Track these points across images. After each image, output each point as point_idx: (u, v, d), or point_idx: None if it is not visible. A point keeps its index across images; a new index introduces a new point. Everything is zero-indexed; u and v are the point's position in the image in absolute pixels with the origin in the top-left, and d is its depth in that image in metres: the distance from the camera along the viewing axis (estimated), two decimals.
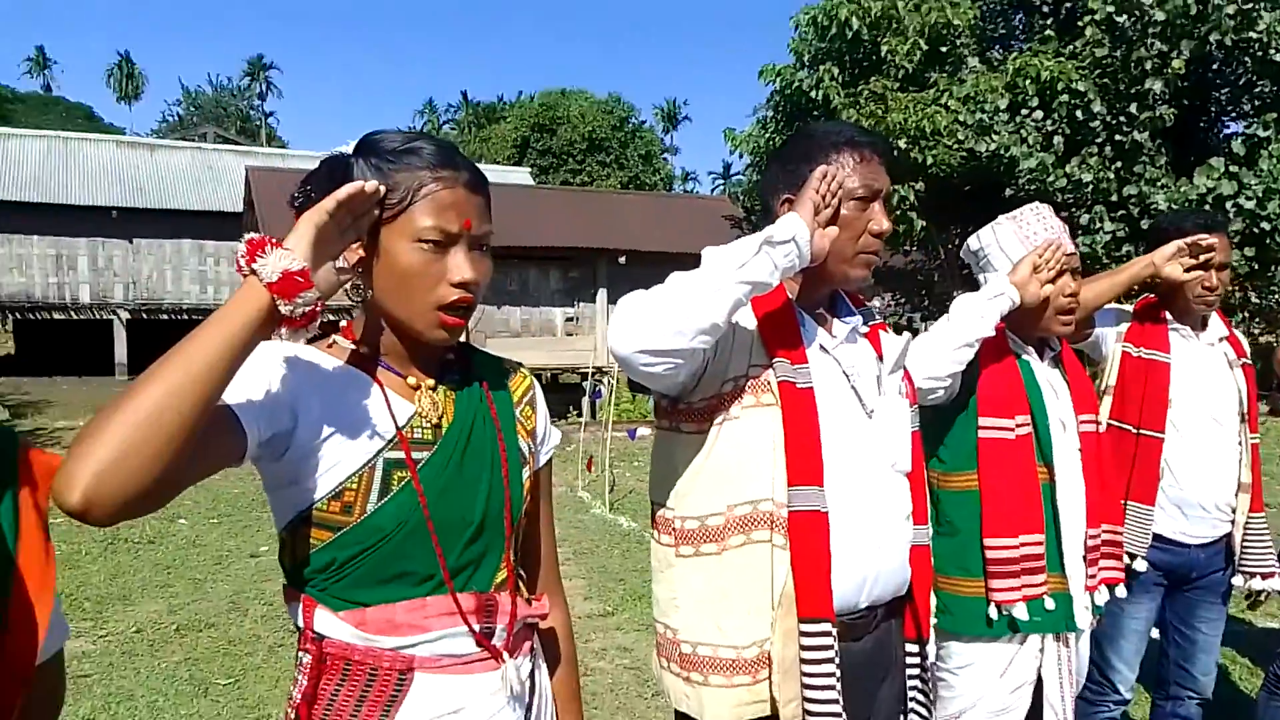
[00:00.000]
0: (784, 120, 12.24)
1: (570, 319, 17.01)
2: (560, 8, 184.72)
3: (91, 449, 0.94)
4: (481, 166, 1.33)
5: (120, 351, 21.14)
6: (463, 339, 1.37)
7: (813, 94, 11.47)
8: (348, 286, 1.26)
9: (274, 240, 1.09)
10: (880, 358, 1.76)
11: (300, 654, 1.25)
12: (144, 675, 4.33)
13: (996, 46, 12.43)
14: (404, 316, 1.25)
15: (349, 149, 1.29)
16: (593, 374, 15.27)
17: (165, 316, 21.44)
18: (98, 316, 21.46)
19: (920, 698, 1.76)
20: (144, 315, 21.46)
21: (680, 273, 1.48)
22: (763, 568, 1.58)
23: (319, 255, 1.13)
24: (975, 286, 2.22)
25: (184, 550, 6.42)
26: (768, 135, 12.42)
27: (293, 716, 1.21)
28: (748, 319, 1.64)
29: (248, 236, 1.09)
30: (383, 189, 1.20)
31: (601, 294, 17.00)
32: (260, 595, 5.48)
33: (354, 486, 1.21)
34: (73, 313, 21.40)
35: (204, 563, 6.14)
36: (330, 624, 1.22)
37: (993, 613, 2.04)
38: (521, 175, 28.31)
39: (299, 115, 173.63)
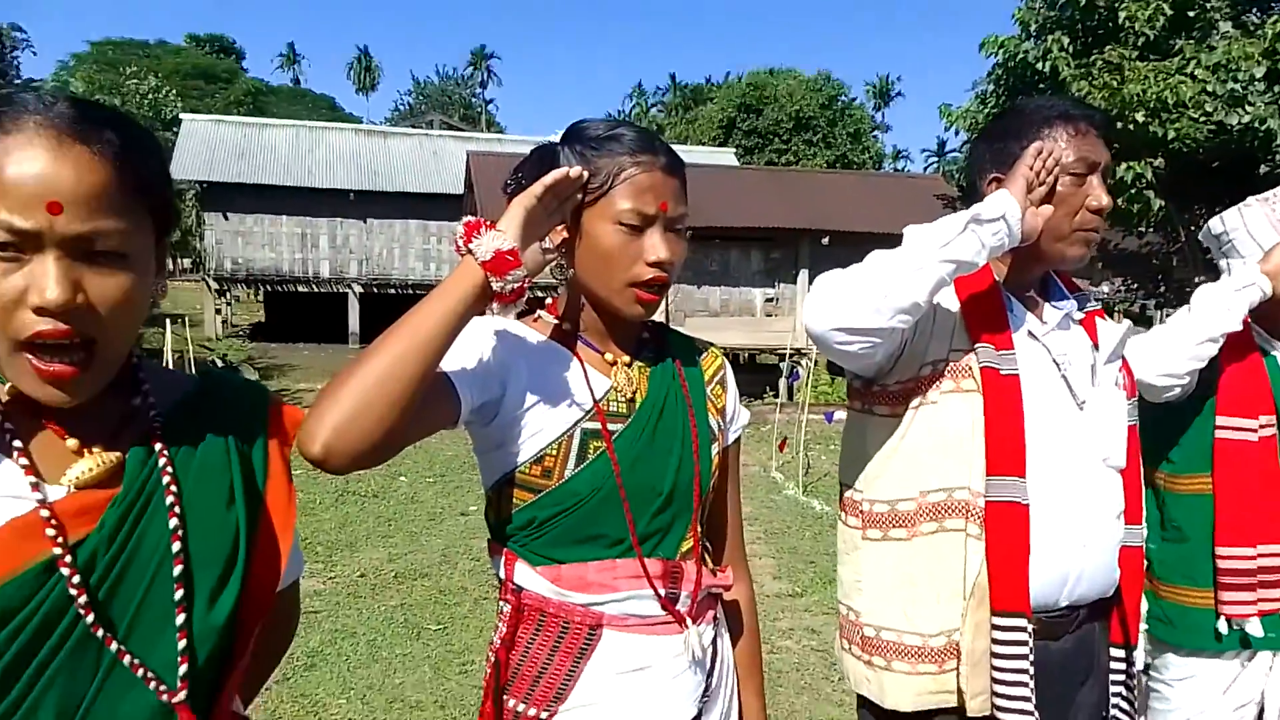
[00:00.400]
0: (1006, 94, 11.55)
1: (770, 300, 16.91)
2: None
3: (330, 407, 1.06)
4: (685, 148, 1.37)
5: (354, 321, 23.02)
6: (660, 318, 1.42)
7: (1039, 66, 10.75)
8: (552, 265, 1.34)
9: (488, 222, 1.18)
10: (1096, 346, 1.66)
11: (501, 603, 1.35)
12: (365, 615, 4.75)
13: (1254, 9, 11.15)
14: (603, 293, 1.31)
15: (558, 136, 1.37)
16: (791, 355, 15.13)
17: (393, 291, 23.13)
18: (335, 290, 23.47)
19: (1124, 705, 1.66)
20: (375, 289, 23.25)
21: (881, 250, 1.46)
22: (955, 557, 1.55)
23: (527, 236, 1.21)
24: (1218, 273, 2.04)
25: (403, 505, 6.95)
26: (987, 110, 11.76)
27: (494, 660, 1.32)
28: (950, 300, 1.59)
29: (465, 219, 1.18)
30: (586, 174, 1.27)
31: (803, 275, 16.78)
32: (468, 551, 5.86)
33: (553, 453, 1.29)
34: (314, 286, 23.50)
35: (419, 517, 6.63)
36: (528, 577, 1.31)
37: (1222, 626, 1.89)
38: (726, 156, 28.32)
39: (516, 102, 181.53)
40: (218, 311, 23.44)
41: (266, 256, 23.04)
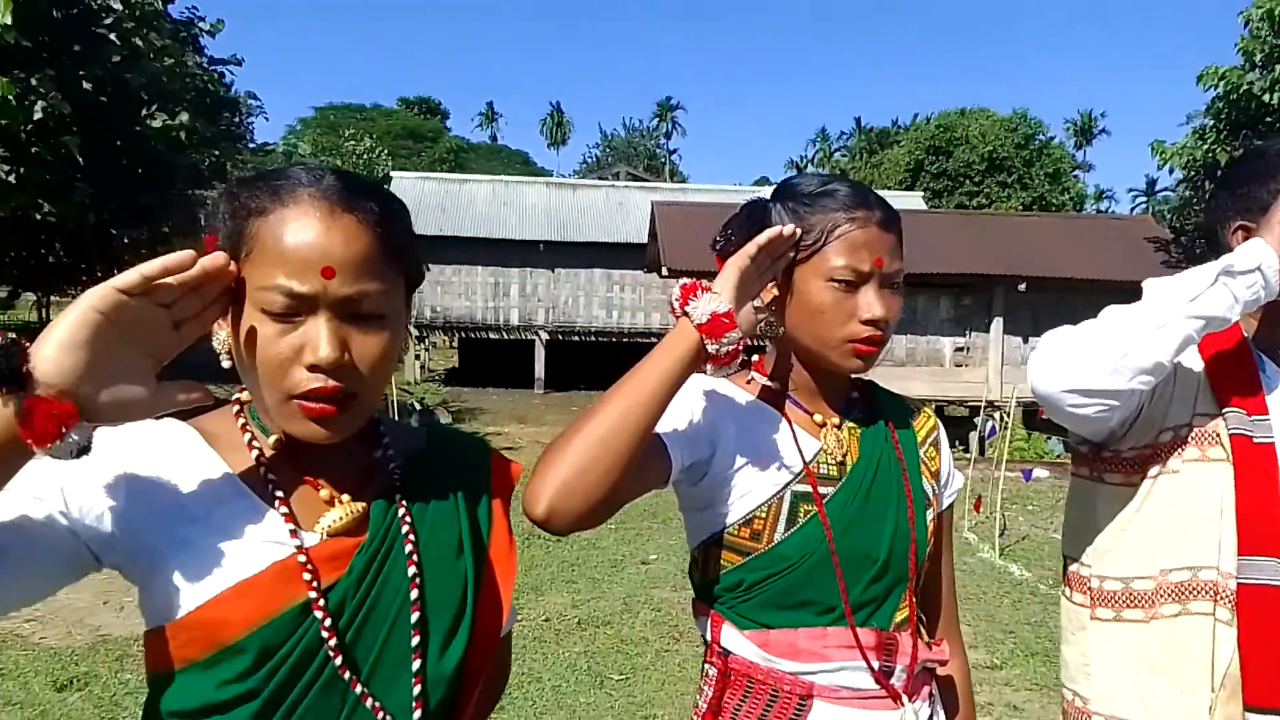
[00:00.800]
0: (1227, 129, 10.74)
1: (960, 349, 16.20)
2: (961, 25, 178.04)
3: (555, 467, 1.09)
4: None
5: (539, 368, 23.88)
6: (866, 376, 1.39)
7: (1266, 98, 9.92)
8: (762, 324, 1.34)
9: (704, 285, 1.19)
10: None
11: (707, 665, 1.34)
12: (550, 661, 4.83)
13: None
14: (816, 349, 1.29)
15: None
16: (984, 408, 14.41)
17: (576, 338, 23.87)
18: (523, 337, 24.46)
19: None
20: (560, 336, 24.07)
21: (1117, 305, 1.36)
22: (1202, 644, 1.40)
23: (741, 296, 1.21)
24: None
25: (584, 551, 7.07)
26: (1206, 147, 10.97)
27: None
28: (1193, 360, 1.46)
29: (681, 282, 1.19)
30: (799, 232, 1.26)
31: (996, 323, 16.00)
32: (649, 600, 5.88)
33: (763, 515, 1.27)
34: (504, 333, 24.58)
35: (601, 564, 6.72)
36: (736, 641, 1.29)
37: None
38: (914, 200, 27.62)
39: (699, 151, 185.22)
40: (417, 357, 24.91)
41: (462, 305, 24.32)
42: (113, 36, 10.62)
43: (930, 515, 1.36)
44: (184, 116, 11.53)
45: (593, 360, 22.27)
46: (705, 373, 1.21)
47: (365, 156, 34.70)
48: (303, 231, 0.91)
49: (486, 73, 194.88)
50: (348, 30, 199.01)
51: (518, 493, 1.15)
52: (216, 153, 13.71)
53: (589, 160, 74.91)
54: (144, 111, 11.32)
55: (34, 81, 8.59)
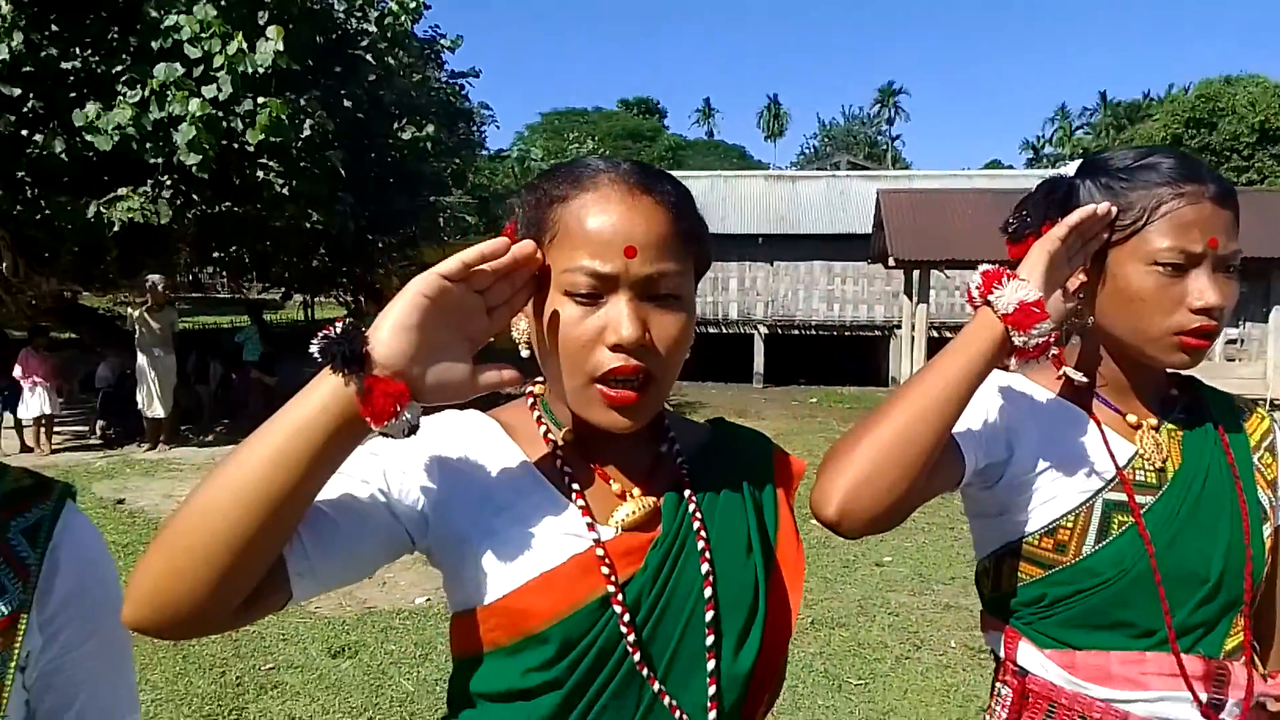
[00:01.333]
0: None
1: (1232, 341, 14.57)
2: None
3: (845, 469, 1.04)
4: None
5: (758, 362, 23.75)
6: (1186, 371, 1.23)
7: None
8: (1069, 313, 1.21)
9: (1008, 272, 1.09)
10: None
11: (999, 685, 1.24)
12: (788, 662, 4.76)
13: None
14: (1135, 342, 1.16)
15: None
16: (1268, 406, 12.87)
17: (796, 332, 23.54)
18: (741, 331, 24.44)
19: None
20: (779, 330, 23.83)
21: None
22: None
23: (1050, 283, 1.10)
24: None
25: (816, 550, 6.93)
26: None
27: None
28: None
29: (983, 268, 1.10)
30: (1114, 210, 1.14)
31: (1276, 312, 14.26)
32: (885, 604, 5.68)
33: (1069, 525, 1.16)
34: (722, 327, 24.65)
35: (833, 564, 6.56)
36: (1035, 660, 1.19)
37: None
38: None
39: (922, 136, 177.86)
40: None
41: None
42: (368, 57, 11.56)
43: (1268, 530, 1.19)
44: (429, 128, 12.35)
45: (813, 354, 21.91)
46: (1008, 368, 1.11)
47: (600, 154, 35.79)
48: (604, 213, 0.93)
49: (703, 70, 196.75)
50: (569, 38, 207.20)
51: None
52: (457, 161, 14.59)
53: (807, 151, 73.89)
54: (395, 125, 12.25)
55: (303, 101, 9.48)
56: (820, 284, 23.92)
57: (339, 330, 0.82)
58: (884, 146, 71.99)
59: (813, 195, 25.19)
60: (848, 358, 22.05)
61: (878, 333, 21.52)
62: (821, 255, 23.61)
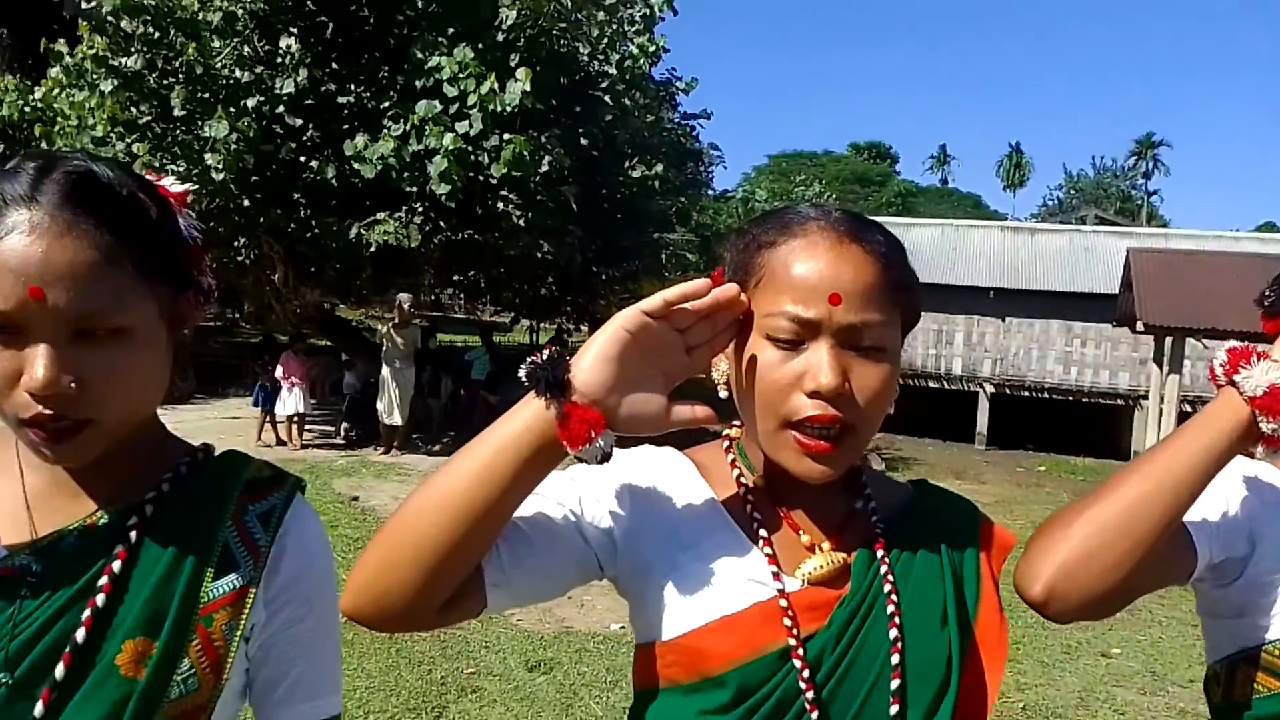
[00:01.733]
0: None
1: None
2: None
3: (1057, 546, 0.96)
4: None
5: (981, 421, 22.50)
6: None
7: None
8: None
9: (1260, 350, 0.98)
10: None
11: None
12: None
13: None
14: None
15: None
16: None
17: (1026, 393, 22.13)
18: (966, 388, 23.28)
19: None
20: (1007, 390, 22.50)
21: None
22: None
23: None
24: None
25: (1033, 629, 6.42)
26: None
27: None
28: None
29: (1229, 345, 0.99)
30: None
31: None
32: (1110, 699, 5.17)
33: None
34: (945, 382, 23.60)
35: (1052, 647, 6.04)
36: None
37: None
38: None
39: (1184, 192, 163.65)
40: None
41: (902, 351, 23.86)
42: (607, 98, 12.11)
43: None
44: (659, 167, 12.75)
45: (1044, 418, 20.51)
46: (1253, 455, 1.00)
47: (812, 201, 35.60)
48: (811, 260, 0.92)
49: (940, 115, 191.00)
50: (804, 82, 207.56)
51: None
52: (682, 199, 14.95)
53: (1050, 202, 69.73)
54: (626, 163, 12.74)
55: (544, 139, 10.07)
56: (1057, 344, 22.40)
57: (545, 357, 0.86)
58: (1138, 202, 66.75)
59: (1053, 249, 23.77)
60: (1084, 426, 20.42)
61: (1120, 401, 19.84)
62: (1059, 314, 22.16)
